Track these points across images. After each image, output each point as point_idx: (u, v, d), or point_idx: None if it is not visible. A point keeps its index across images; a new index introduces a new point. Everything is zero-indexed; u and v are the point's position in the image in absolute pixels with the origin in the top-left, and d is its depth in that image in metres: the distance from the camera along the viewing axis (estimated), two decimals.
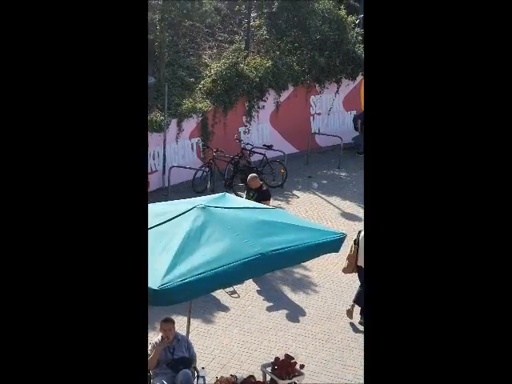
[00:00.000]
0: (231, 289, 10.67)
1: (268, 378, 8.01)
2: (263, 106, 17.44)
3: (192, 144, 15.95)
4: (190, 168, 15.13)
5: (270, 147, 16.33)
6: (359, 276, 10.06)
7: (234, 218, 6.97)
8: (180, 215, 6.85)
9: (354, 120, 19.15)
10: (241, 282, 9.73)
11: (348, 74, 19.03)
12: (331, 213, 14.73)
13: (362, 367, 8.69)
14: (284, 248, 6.67)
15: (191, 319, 8.32)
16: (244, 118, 17.11)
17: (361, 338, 9.55)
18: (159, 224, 6.67)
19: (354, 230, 13.33)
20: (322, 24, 18.41)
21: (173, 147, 15.41)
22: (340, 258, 11.85)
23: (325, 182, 16.77)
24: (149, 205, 6.27)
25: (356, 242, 9.91)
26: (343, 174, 17.44)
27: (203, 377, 7.83)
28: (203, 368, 8.09)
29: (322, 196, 15.74)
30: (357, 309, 10.19)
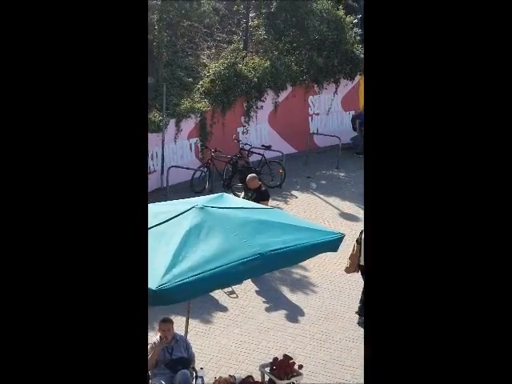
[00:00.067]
0: (230, 289, 10.67)
1: (266, 378, 8.00)
2: (261, 106, 17.44)
3: (190, 144, 15.95)
4: (188, 168, 15.12)
5: (268, 147, 16.32)
6: (363, 274, 10.05)
7: (232, 218, 6.97)
8: (178, 215, 6.84)
9: (353, 120, 19.14)
10: (239, 282, 9.71)
11: (346, 74, 19.02)
12: (330, 213, 14.73)
13: (361, 367, 8.73)
14: (282, 248, 6.67)
15: (190, 319, 8.31)
16: (242, 118, 17.11)
17: (359, 338, 9.56)
18: (158, 224, 6.67)
19: (353, 230, 13.36)
20: (320, 24, 18.40)
21: (171, 147, 15.40)
22: (339, 259, 11.86)
23: (323, 182, 16.76)
24: None
25: (359, 242, 9.91)
26: (342, 174, 17.44)
27: (201, 377, 7.82)
28: (202, 368, 8.08)
29: (321, 196, 15.74)
30: (355, 309, 10.21)
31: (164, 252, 6.26)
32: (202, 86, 16.43)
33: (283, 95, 17.90)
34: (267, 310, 10.43)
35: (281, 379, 7.83)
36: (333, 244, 7.21)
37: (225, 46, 18.20)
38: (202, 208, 6.91)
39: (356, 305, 10.33)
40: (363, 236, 9.78)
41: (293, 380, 7.90)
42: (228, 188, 15.02)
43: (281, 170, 15.91)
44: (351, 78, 19.23)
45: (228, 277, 6.38)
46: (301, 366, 8.03)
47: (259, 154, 16.17)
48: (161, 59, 15.81)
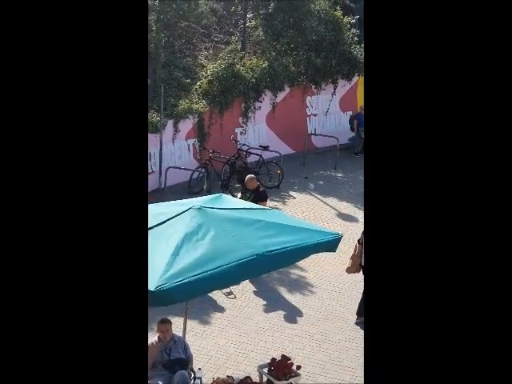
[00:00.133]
0: (228, 290, 10.67)
1: (265, 378, 8.00)
2: (259, 107, 17.45)
3: (188, 145, 15.95)
4: (186, 169, 15.12)
5: (266, 148, 16.34)
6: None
7: (230, 218, 6.97)
8: (176, 216, 6.84)
9: (351, 121, 19.16)
10: (237, 282, 9.71)
11: (344, 74, 19.05)
12: (327, 213, 14.73)
13: (359, 368, 8.74)
14: (280, 249, 6.67)
15: (188, 320, 8.30)
16: (240, 118, 17.12)
17: (358, 338, 9.56)
18: (156, 225, 6.66)
19: (351, 231, 13.39)
20: (318, 25, 18.42)
21: (169, 148, 15.40)
22: (337, 259, 11.87)
23: (321, 182, 16.77)
24: None
25: (360, 242, 9.91)
26: (339, 174, 17.45)
27: (200, 378, 7.83)
28: (200, 369, 8.08)
29: (319, 197, 15.74)
30: (353, 310, 10.21)
31: (162, 253, 6.26)
32: (199, 87, 16.43)
33: (281, 96, 17.91)
34: (265, 310, 10.42)
35: (279, 380, 7.82)
36: (331, 244, 7.21)
37: (223, 46, 18.20)
38: (200, 209, 6.91)
39: (354, 305, 10.33)
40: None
41: (291, 381, 7.90)
42: (226, 189, 15.02)
43: (279, 171, 15.92)
44: (349, 79, 19.25)
45: (226, 277, 6.37)
46: (299, 367, 8.03)
47: (257, 154, 16.18)
48: (158, 60, 15.81)
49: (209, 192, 14.06)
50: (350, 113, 19.52)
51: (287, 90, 18.01)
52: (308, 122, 18.82)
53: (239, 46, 17.97)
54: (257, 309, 10.44)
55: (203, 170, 15.35)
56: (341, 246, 7.56)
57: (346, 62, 18.92)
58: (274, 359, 7.99)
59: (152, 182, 14.85)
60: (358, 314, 10.02)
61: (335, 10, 19.20)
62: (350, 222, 14.19)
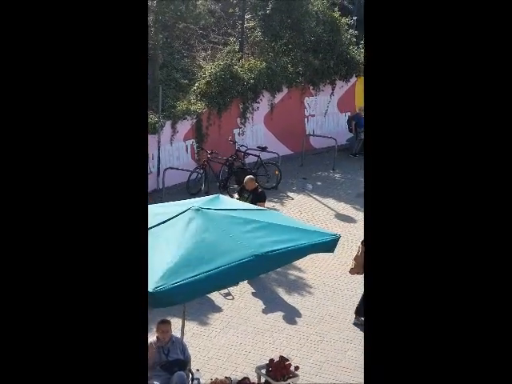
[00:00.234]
0: (226, 291, 10.67)
1: (263, 379, 8.01)
2: (257, 108, 17.46)
3: (186, 146, 15.95)
4: (184, 170, 15.12)
5: (264, 149, 16.34)
6: None
7: (228, 219, 6.98)
8: (174, 217, 6.85)
9: (349, 121, 19.17)
10: (235, 283, 9.72)
11: (342, 75, 19.05)
12: (325, 214, 14.74)
13: (357, 368, 8.75)
14: (278, 249, 6.67)
15: (186, 321, 8.31)
16: (238, 119, 17.12)
17: (355, 339, 9.58)
18: (154, 226, 6.66)
19: (349, 232, 13.39)
20: (315, 26, 18.42)
21: (167, 149, 15.40)
22: (335, 260, 11.89)
23: (319, 183, 16.78)
24: None
25: (363, 243, 9.91)
26: (337, 175, 17.46)
27: (198, 379, 7.83)
28: (198, 370, 8.09)
29: (317, 197, 15.75)
30: (351, 310, 10.21)
31: (160, 254, 6.26)
32: (197, 88, 16.43)
33: (279, 97, 17.92)
34: (263, 311, 10.43)
35: (277, 381, 7.83)
36: (329, 245, 7.22)
37: (220, 47, 18.21)
38: (198, 210, 6.91)
39: (352, 306, 10.33)
40: None
41: (289, 381, 7.90)
42: (224, 189, 15.02)
43: (277, 172, 15.92)
44: (347, 80, 19.25)
45: (224, 278, 6.38)
46: (297, 368, 8.04)
47: (255, 155, 16.19)
48: (156, 61, 15.81)
49: (207, 193, 14.05)
50: (348, 114, 19.52)
51: (285, 90, 18.02)
52: (306, 123, 18.83)
53: (237, 47, 17.97)
54: (255, 310, 10.45)
55: (201, 170, 15.35)
56: (339, 246, 7.57)
57: (344, 62, 18.93)
58: (272, 360, 7.99)
59: (150, 183, 14.84)
60: (357, 313, 10.03)
61: (333, 11, 19.21)
62: (348, 222, 14.20)
